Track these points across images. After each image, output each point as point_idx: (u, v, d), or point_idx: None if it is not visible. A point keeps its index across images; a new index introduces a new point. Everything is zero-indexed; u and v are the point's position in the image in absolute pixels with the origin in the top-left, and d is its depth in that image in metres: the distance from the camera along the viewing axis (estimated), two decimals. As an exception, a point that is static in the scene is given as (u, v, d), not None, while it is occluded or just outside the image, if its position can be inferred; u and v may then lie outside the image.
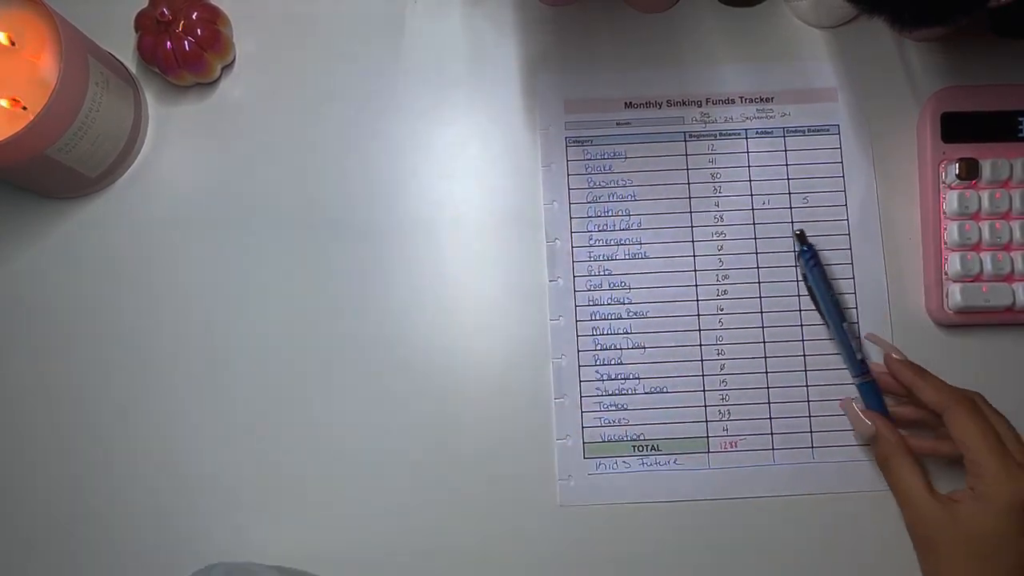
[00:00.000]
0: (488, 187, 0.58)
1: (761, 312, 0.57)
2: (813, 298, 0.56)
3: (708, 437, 0.56)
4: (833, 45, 0.59)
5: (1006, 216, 0.56)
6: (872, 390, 0.54)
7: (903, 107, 0.58)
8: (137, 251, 0.58)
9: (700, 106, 0.59)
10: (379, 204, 0.58)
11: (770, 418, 0.56)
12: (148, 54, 0.57)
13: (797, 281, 0.57)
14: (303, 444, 0.56)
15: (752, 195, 0.58)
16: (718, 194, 0.58)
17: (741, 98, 0.59)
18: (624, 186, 0.58)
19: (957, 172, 0.55)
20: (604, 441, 0.56)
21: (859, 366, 0.54)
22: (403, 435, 0.56)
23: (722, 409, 0.56)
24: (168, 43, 0.56)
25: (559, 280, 0.57)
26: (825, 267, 0.56)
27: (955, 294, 0.55)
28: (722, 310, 0.57)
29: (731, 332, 0.56)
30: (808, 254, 0.55)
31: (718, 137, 0.58)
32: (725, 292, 0.57)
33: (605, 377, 0.56)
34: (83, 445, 0.56)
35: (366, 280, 0.57)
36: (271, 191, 0.58)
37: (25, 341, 0.57)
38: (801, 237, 0.56)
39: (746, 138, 0.58)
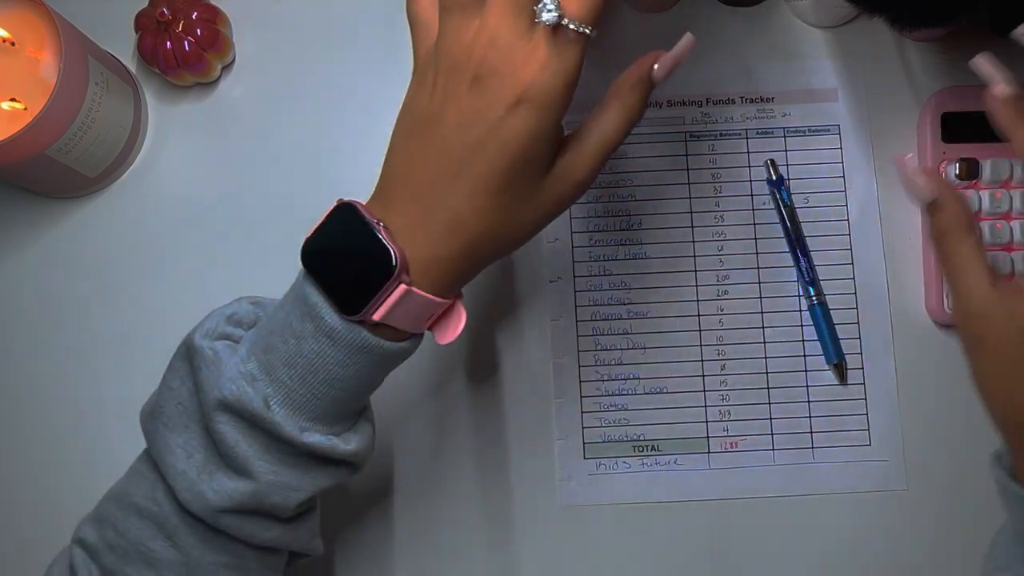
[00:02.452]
0: (488, 187, 0.58)
1: (761, 312, 0.57)
2: (784, 224, 0.56)
3: (708, 437, 0.56)
4: (833, 45, 0.59)
5: (1006, 216, 0.56)
6: (823, 313, 0.55)
7: (903, 107, 0.58)
8: (137, 251, 0.58)
9: (700, 106, 0.59)
10: (379, 204, 0.58)
11: (770, 418, 0.56)
12: (148, 54, 0.57)
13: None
14: (303, 444, 0.56)
15: (752, 195, 0.58)
16: (718, 194, 0.58)
17: (741, 98, 0.59)
18: (624, 186, 0.58)
19: (957, 172, 0.55)
20: (604, 441, 0.56)
21: (814, 287, 0.55)
22: (402, 435, 0.56)
23: (722, 409, 0.56)
24: (168, 43, 0.56)
25: (559, 280, 0.57)
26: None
27: (955, 294, 0.55)
28: (722, 310, 0.57)
29: (731, 332, 0.56)
30: (780, 182, 0.56)
31: (718, 137, 0.58)
32: (725, 292, 0.57)
33: (605, 377, 0.56)
34: (82, 445, 0.56)
35: (366, 280, 0.57)
36: (271, 191, 0.58)
37: (24, 341, 0.57)
38: (773, 166, 0.57)
39: (746, 138, 0.58)
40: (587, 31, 0.38)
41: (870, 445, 0.55)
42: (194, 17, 0.56)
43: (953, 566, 0.54)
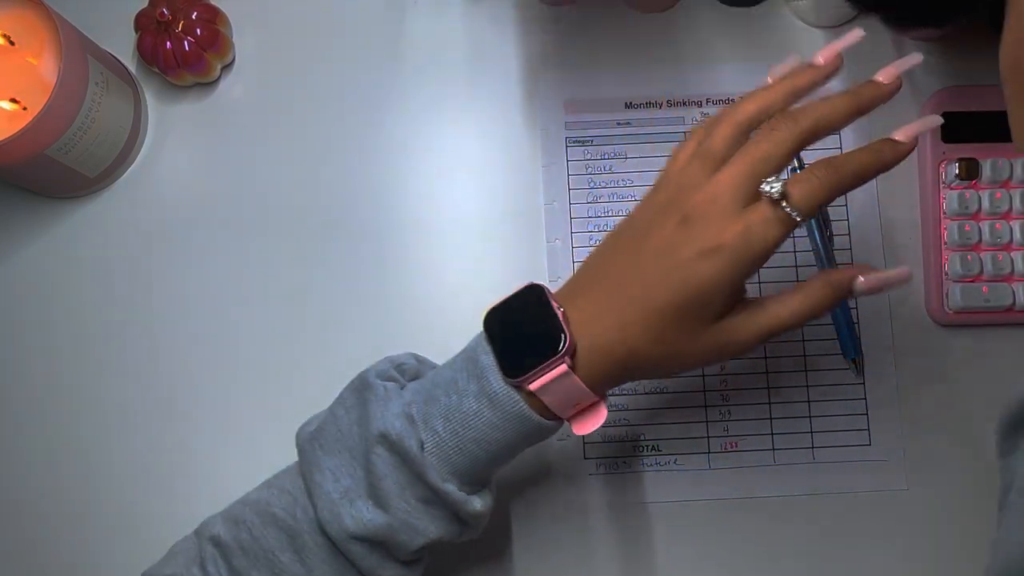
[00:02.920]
0: (488, 187, 0.58)
1: (761, 312, 0.57)
2: (816, 220, 0.56)
3: (708, 437, 0.56)
4: (833, 45, 0.59)
5: (1006, 216, 0.56)
6: (843, 308, 0.55)
7: (903, 107, 0.58)
8: (137, 251, 0.58)
9: (700, 106, 0.59)
10: (379, 204, 0.58)
11: (770, 418, 0.56)
12: (148, 54, 0.57)
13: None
14: (303, 444, 0.56)
15: (752, 195, 0.58)
16: (718, 194, 0.58)
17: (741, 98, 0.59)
18: (624, 186, 0.58)
19: (957, 172, 0.55)
20: (604, 441, 0.56)
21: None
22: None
23: (722, 409, 0.56)
24: (168, 43, 0.56)
25: (559, 280, 0.57)
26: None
27: (955, 294, 0.55)
28: (722, 310, 0.57)
29: (731, 332, 0.56)
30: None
31: (718, 137, 0.58)
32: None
33: (605, 377, 0.56)
34: (82, 445, 0.56)
35: (365, 280, 0.57)
36: (271, 191, 0.58)
37: (24, 341, 0.57)
38: (798, 158, 0.56)
39: (746, 138, 0.58)
40: (797, 218, 0.40)
41: (870, 445, 0.55)
42: (194, 17, 0.56)
43: (953, 566, 0.54)
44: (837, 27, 0.59)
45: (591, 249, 0.57)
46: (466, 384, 0.42)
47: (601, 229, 0.57)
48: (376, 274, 0.57)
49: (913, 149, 0.42)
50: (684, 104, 0.59)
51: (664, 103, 0.59)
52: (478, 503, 0.43)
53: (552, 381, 0.41)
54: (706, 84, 0.59)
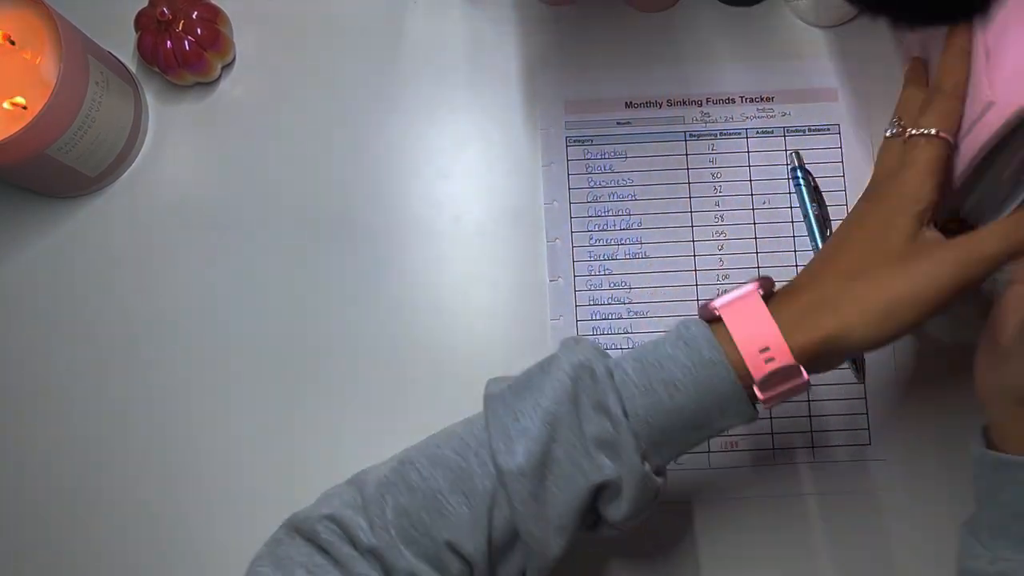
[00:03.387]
0: (488, 187, 0.58)
1: (761, 312, 0.56)
2: (816, 216, 0.56)
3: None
4: (833, 45, 0.59)
5: (1006, 216, 0.56)
6: None
7: (903, 107, 0.58)
8: (137, 251, 0.58)
9: (700, 106, 0.59)
10: (379, 204, 0.58)
11: (770, 418, 0.56)
12: (148, 54, 0.57)
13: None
14: (303, 443, 0.56)
15: (752, 195, 0.58)
16: (718, 194, 0.58)
17: (741, 98, 0.59)
18: (624, 186, 0.58)
19: (957, 172, 0.55)
20: (604, 441, 0.56)
21: None
22: (403, 434, 0.56)
23: (722, 409, 0.56)
24: (168, 43, 0.56)
25: (559, 280, 0.57)
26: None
27: (955, 294, 0.55)
28: (722, 310, 0.57)
29: (731, 332, 0.56)
30: (803, 172, 0.57)
31: (718, 137, 0.58)
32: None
33: (605, 377, 0.56)
34: (83, 444, 0.56)
35: (366, 280, 0.57)
36: (271, 191, 0.59)
37: (25, 341, 0.57)
38: (798, 157, 0.57)
39: (746, 138, 0.58)
40: (930, 132, 0.43)
41: (870, 445, 0.55)
42: (194, 17, 0.56)
43: (953, 566, 0.54)
44: (837, 27, 0.59)
45: (591, 248, 0.57)
46: (668, 335, 0.43)
47: (601, 229, 0.58)
48: (376, 273, 0.57)
49: None
50: (684, 104, 0.59)
51: (664, 103, 0.59)
52: (647, 466, 0.41)
53: (738, 299, 0.42)
54: (706, 84, 0.59)
